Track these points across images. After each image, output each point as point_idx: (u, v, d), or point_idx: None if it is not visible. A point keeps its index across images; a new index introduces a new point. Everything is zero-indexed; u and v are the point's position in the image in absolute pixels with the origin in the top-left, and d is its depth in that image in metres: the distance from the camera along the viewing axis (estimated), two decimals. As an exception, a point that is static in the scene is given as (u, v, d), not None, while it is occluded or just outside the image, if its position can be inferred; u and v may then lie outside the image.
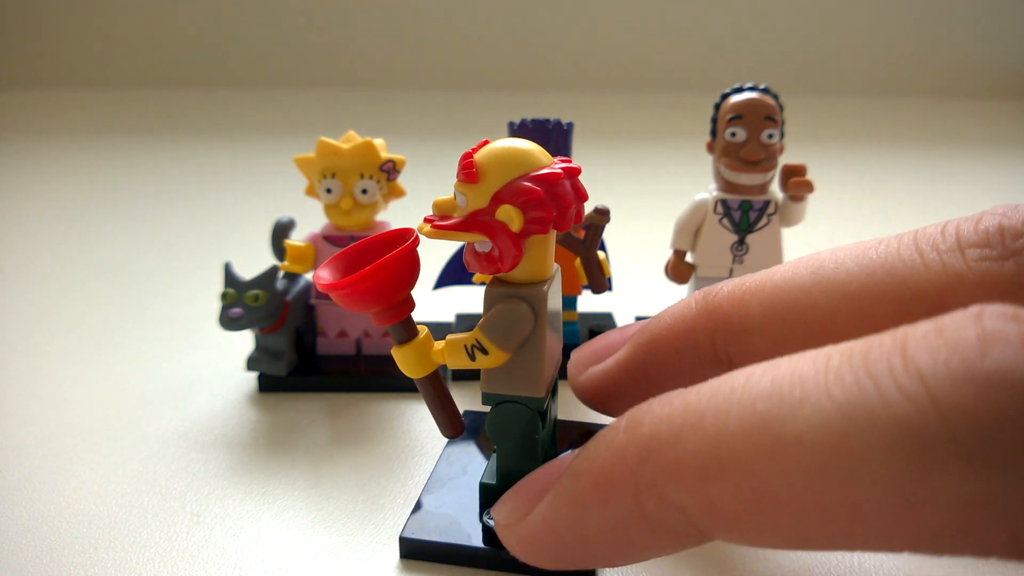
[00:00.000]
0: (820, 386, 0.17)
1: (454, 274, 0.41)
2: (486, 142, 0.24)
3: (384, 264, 0.23)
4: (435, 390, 0.25)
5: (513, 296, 0.24)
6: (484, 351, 0.24)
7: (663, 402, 0.20)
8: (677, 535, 0.19)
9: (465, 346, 0.24)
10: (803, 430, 0.16)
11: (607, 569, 0.25)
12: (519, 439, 0.26)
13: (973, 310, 0.16)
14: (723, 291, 0.25)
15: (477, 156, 0.23)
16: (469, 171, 0.23)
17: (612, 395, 0.27)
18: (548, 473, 0.24)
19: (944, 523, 0.15)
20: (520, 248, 0.23)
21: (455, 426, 0.26)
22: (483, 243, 0.23)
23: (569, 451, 0.24)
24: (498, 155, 0.23)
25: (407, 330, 0.24)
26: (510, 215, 0.23)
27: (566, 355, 0.30)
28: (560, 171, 0.23)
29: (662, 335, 0.26)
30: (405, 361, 0.24)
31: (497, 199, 0.23)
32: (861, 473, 0.15)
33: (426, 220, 0.24)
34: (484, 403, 0.25)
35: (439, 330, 0.41)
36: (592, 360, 0.29)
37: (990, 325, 0.15)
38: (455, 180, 0.24)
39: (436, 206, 0.24)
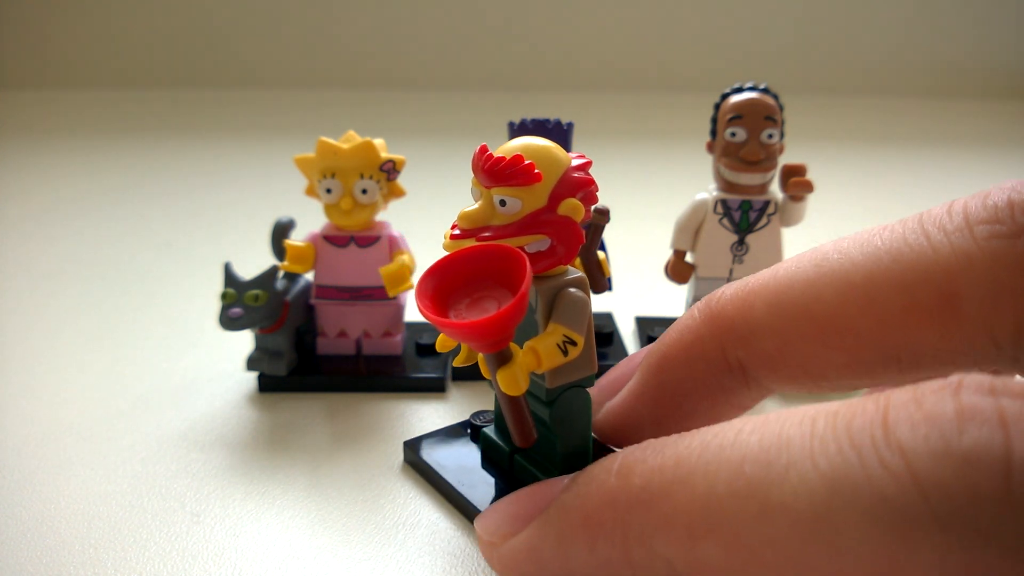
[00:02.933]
0: (805, 453, 0.17)
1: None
2: (484, 147, 0.24)
3: (517, 304, 0.21)
4: (524, 402, 0.25)
5: (566, 285, 0.25)
6: (574, 343, 0.24)
7: (655, 451, 0.20)
8: None
9: (557, 345, 0.24)
10: (789, 498, 0.16)
11: None
12: (582, 420, 0.27)
13: (953, 380, 0.16)
14: (726, 295, 0.25)
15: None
16: (531, 174, 0.23)
17: (633, 426, 0.27)
18: (536, 497, 0.24)
19: None
20: (583, 237, 0.24)
21: (531, 436, 0.25)
22: (540, 242, 0.24)
23: (559, 478, 0.24)
24: (542, 154, 0.24)
25: (510, 351, 0.23)
26: (575, 207, 0.24)
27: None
28: (588, 159, 0.25)
29: (670, 352, 0.25)
30: (512, 381, 0.23)
31: (556, 196, 0.24)
32: (845, 544, 0.16)
33: (463, 233, 0.24)
34: (548, 399, 0.26)
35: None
36: (606, 396, 0.28)
37: (967, 400, 0.15)
38: (498, 187, 0.24)
39: (469, 219, 0.24)
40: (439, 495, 0.30)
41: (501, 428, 0.30)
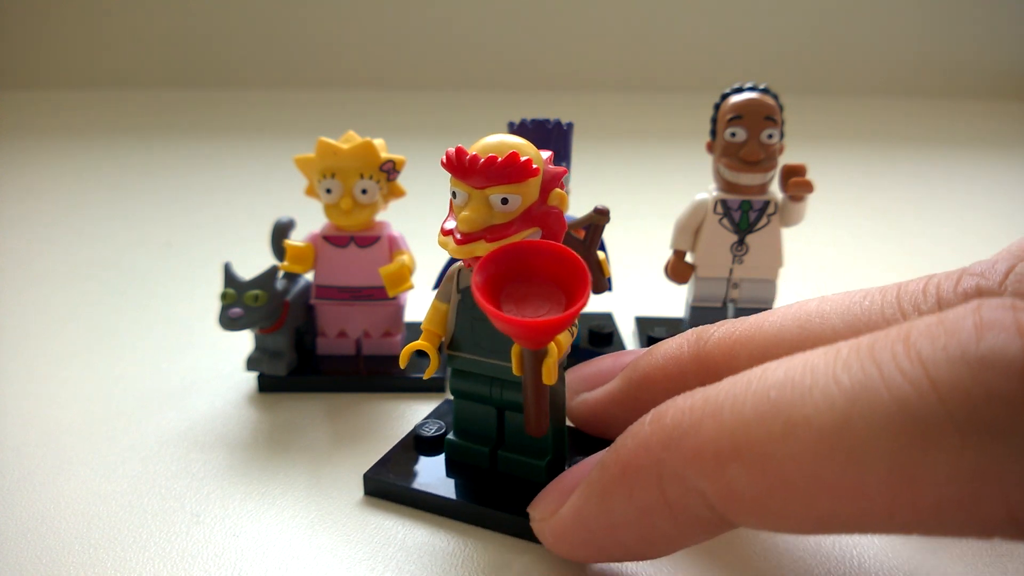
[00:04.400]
0: (828, 373, 0.18)
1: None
2: (461, 148, 0.24)
3: (582, 306, 0.22)
4: (546, 391, 0.25)
5: None
6: (574, 324, 0.26)
7: (686, 396, 0.21)
8: (699, 521, 0.20)
9: (568, 330, 0.25)
10: (811, 414, 0.17)
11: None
12: (560, 395, 0.28)
13: (973, 303, 0.17)
14: (714, 337, 0.26)
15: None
16: (530, 169, 0.24)
17: (602, 422, 0.29)
18: (580, 470, 0.25)
19: (944, 498, 0.16)
20: (566, 224, 0.26)
21: (547, 424, 0.26)
22: (534, 233, 0.25)
23: (596, 454, 0.25)
24: (526, 149, 0.25)
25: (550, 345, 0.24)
26: (562, 197, 0.25)
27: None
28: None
29: (654, 375, 0.27)
30: (551, 373, 0.23)
31: (545, 188, 0.25)
32: (865, 452, 0.16)
33: (468, 237, 0.24)
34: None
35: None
36: (584, 386, 0.30)
37: (987, 314, 0.16)
38: (497, 186, 0.24)
39: (471, 222, 0.24)
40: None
41: (466, 431, 0.29)
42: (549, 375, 0.23)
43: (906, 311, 0.22)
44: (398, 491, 0.29)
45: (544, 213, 0.25)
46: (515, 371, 0.24)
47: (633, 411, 0.27)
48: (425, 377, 0.28)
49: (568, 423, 0.30)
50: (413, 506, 0.29)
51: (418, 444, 0.31)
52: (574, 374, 0.31)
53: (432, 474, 0.29)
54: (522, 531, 0.26)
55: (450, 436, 0.30)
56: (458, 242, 0.24)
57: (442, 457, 0.30)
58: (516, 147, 0.24)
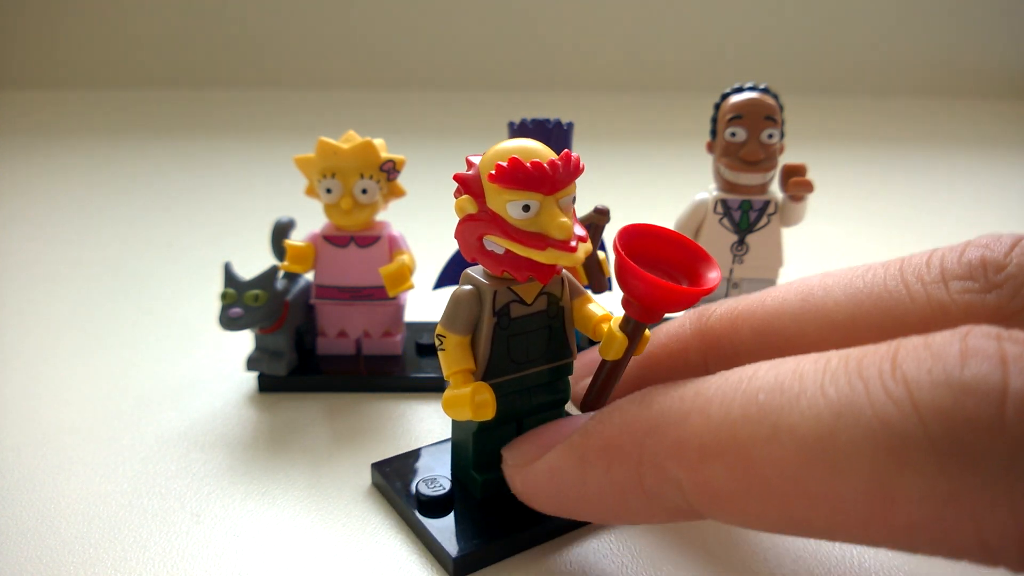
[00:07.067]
0: (817, 384, 0.18)
1: (454, 275, 0.41)
2: (536, 162, 0.23)
3: (715, 285, 0.24)
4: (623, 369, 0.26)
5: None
6: None
7: (677, 385, 0.21)
8: (670, 508, 0.21)
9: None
10: (797, 422, 0.18)
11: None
12: None
13: (962, 329, 0.17)
14: (716, 313, 0.26)
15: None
16: (580, 164, 0.24)
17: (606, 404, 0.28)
18: (561, 427, 0.25)
19: (917, 517, 0.16)
20: None
21: (603, 403, 0.27)
22: None
23: (582, 414, 0.26)
24: (548, 149, 0.25)
25: None
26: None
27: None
28: None
29: (657, 353, 0.27)
30: (644, 343, 0.25)
31: None
32: (845, 465, 0.17)
33: (578, 241, 0.24)
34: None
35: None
36: (588, 371, 0.30)
37: (973, 342, 0.17)
38: (566, 188, 0.24)
39: (568, 227, 0.23)
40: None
41: (490, 463, 0.27)
42: (642, 347, 0.25)
43: (909, 282, 0.22)
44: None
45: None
46: (612, 355, 0.25)
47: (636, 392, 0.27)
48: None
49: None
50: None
51: (424, 507, 0.27)
52: (578, 361, 0.30)
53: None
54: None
55: (474, 473, 0.27)
56: (574, 249, 0.23)
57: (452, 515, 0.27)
58: (538, 147, 0.24)
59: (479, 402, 0.24)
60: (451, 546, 0.25)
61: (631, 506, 0.22)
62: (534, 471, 0.24)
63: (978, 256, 0.21)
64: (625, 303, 0.25)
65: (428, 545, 0.26)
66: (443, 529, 0.26)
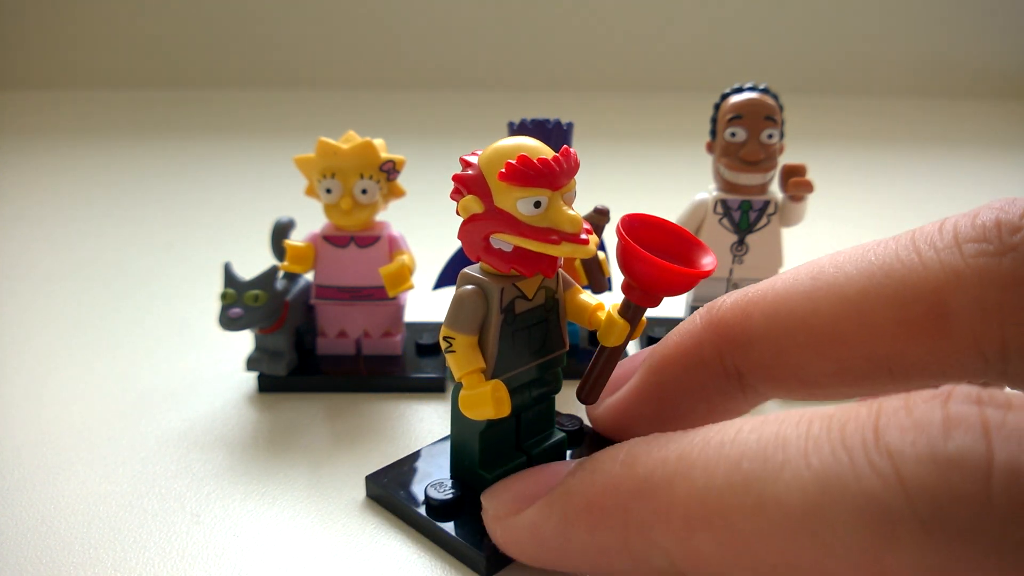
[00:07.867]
0: (800, 452, 0.17)
1: (454, 275, 0.41)
2: (543, 158, 0.23)
3: (712, 268, 0.25)
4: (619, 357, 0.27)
5: None
6: None
7: (660, 445, 0.21)
8: (656, 569, 0.20)
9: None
10: (782, 494, 0.17)
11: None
12: None
13: (943, 391, 0.17)
14: (726, 304, 0.26)
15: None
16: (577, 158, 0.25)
17: (631, 422, 0.28)
18: (544, 477, 0.25)
19: None
20: None
21: (597, 396, 0.27)
22: None
23: (566, 460, 0.25)
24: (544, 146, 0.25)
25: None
26: None
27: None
28: None
29: (671, 355, 0.27)
30: (640, 328, 0.26)
31: None
32: (832, 539, 0.16)
33: (586, 235, 0.24)
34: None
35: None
36: (606, 392, 0.29)
37: (954, 409, 0.16)
38: (569, 182, 0.24)
39: (579, 220, 0.24)
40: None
41: (495, 461, 0.27)
42: (639, 332, 0.26)
43: (921, 250, 0.21)
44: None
45: None
46: (614, 340, 0.25)
47: (659, 401, 0.27)
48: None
49: (595, 433, 0.31)
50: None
51: (436, 511, 0.27)
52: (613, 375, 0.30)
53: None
54: None
55: (482, 471, 0.27)
56: (586, 241, 0.24)
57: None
58: (534, 145, 0.24)
59: (498, 399, 0.24)
60: (481, 545, 0.25)
61: (616, 567, 0.21)
62: (515, 525, 0.24)
63: (992, 218, 0.21)
64: (626, 288, 0.25)
65: (448, 547, 0.26)
66: (464, 530, 0.26)
